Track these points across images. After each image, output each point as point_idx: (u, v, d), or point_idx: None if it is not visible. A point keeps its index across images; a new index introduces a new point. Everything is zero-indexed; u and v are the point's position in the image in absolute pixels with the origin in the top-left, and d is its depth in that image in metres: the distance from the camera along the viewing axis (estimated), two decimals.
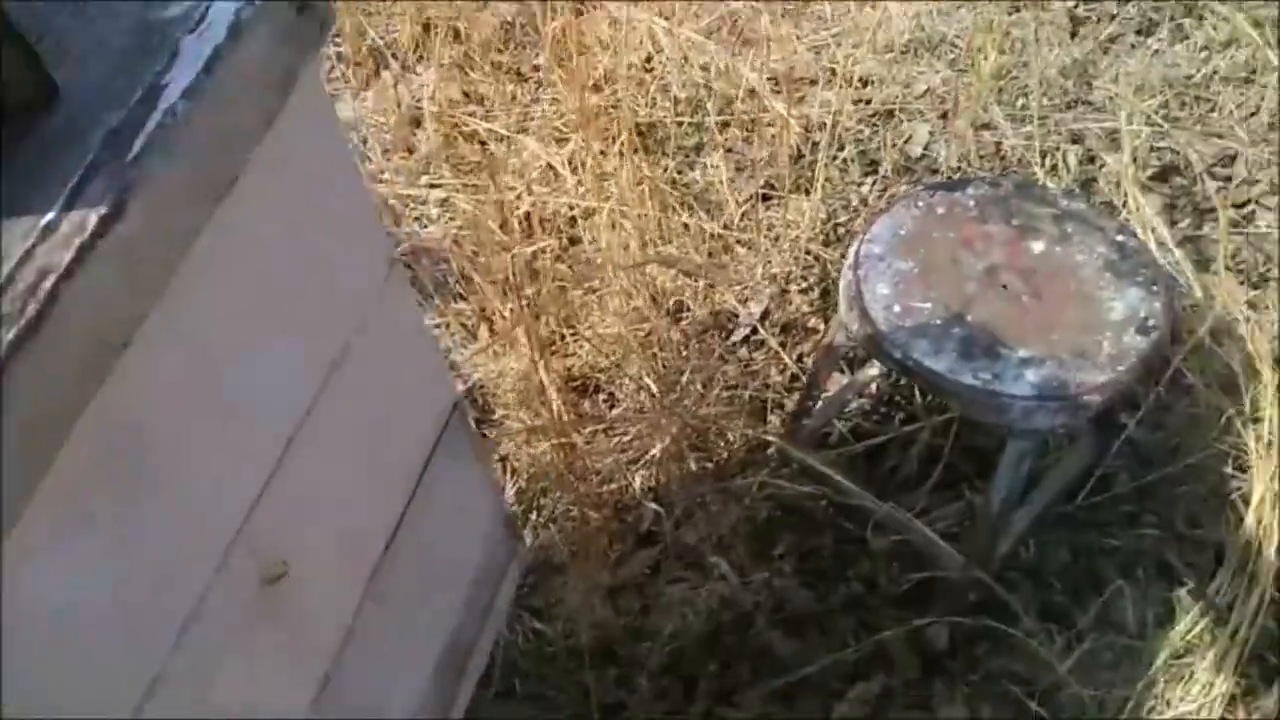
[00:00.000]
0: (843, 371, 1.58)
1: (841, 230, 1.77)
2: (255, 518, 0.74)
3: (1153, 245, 1.58)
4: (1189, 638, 1.29)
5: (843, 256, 1.72)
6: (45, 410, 0.55)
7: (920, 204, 1.37)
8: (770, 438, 1.51)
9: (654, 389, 1.56)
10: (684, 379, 1.58)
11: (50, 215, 0.57)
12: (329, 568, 0.85)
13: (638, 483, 1.52)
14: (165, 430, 0.67)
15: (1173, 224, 1.68)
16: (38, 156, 0.60)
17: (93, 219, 0.57)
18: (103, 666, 0.65)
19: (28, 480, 0.54)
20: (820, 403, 1.51)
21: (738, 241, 1.77)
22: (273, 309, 0.75)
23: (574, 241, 1.82)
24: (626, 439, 1.56)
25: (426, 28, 2.12)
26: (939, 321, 1.26)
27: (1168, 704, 1.25)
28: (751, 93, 1.94)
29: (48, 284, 0.55)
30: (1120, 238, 1.33)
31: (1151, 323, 1.25)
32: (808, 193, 1.79)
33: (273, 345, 0.75)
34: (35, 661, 0.60)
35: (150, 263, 0.61)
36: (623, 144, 1.78)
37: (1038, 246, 1.33)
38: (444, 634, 1.03)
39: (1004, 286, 1.30)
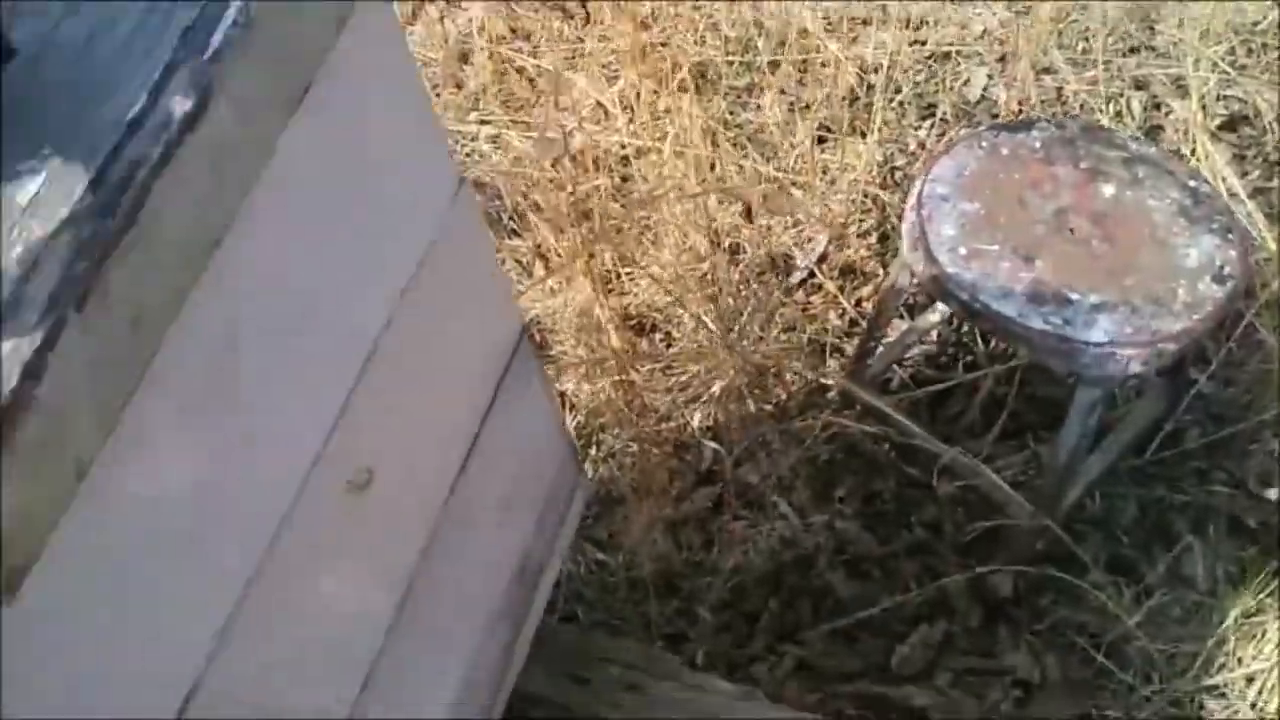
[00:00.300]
0: (902, 316, 1.49)
1: (899, 174, 1.67)
2: (340, 427, 0.70)
3: (1224, 195, 1.48)
4: (1261, 596, 1.21)
5: (902, 200, 1.62)
6: (146, 305, 0.49)
7: (984, 145, 1.28)
8: (834, 380, 1.43)
9: (712, 328, 1.47)
10: (742, 320, 1.49)
11: (134, 111, 0.51)
12: (411, 481, 0.80)
13: (696, 421, 1.45)
14: (255, 335, 0.61)
15: (1243, 174, 1.58)
16: (117, 53, 0.53)
17: (178, 114, 0.51)
18: (202, 561, 0.62)
19: (132, 375, 0.48)
20: (881, 348, 1.42)
21: (793, 184, 1.67)
22: (350, 220, 0.68)
23: (626, 180, 1.73)
24: (684, 378, 1.48)
25: None
26: (1007, 264, 1.18)
27: (1239, 661, 1.18)
28: (804, 32, 1.82)
29: (140, 176, 0.48)
30: (1193, 183, 1.24)
31: (1227, 271, 1.17)
32: (864, 135, 1.68)
33: (352, 256, 0.69)
34: (136, 554, 0.56)
35: (236, 162, 0.55)
36: (679, 82, 1.68)
37: (1108, 190, 1.25)
38: (517, 553, 0.98)
39: (1072, 230, 1.21)
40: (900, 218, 1.59)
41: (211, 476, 0.60)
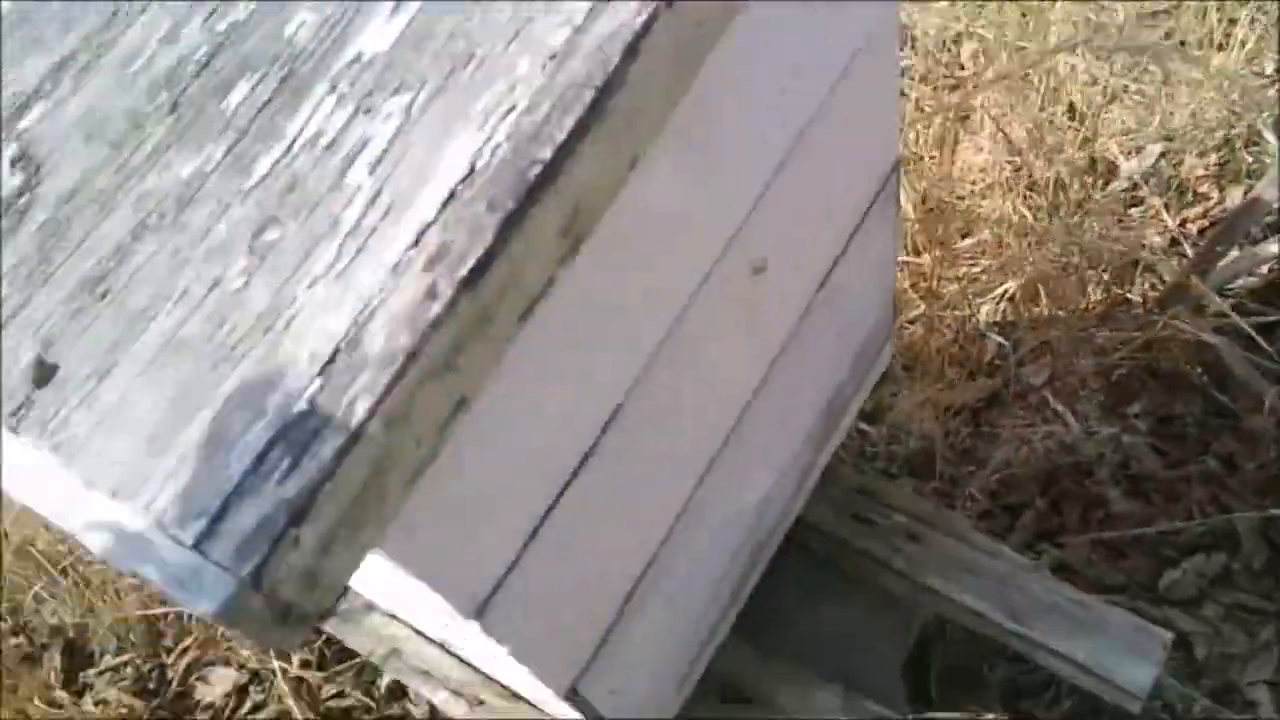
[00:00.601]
0: (1234, 245, 1.37)
1: (1256, 96, 1.51)
2: (754, 213, 0.71)
3: None
4: None
5: (1253, 124, 1.47)
6: (700, 31, 0.49)
7: None
8: (1181, 279, 1.31)
9: (1019, 223, 1.40)
10: (1050, 221, 1.41)
11: None
12: (790, 281, 0.82)
13: (983, 315, 1.40)
14: (722, 111, 0.62)
15: None
16: None
17: None
18: (648, 296, 0.65)
19: (684, 88, 0.50)
20: (1209, 270, 1.31)
21: (1126, 89, 1.54)
22: (801, 12, 0.67)
23: (943, 64, 1.65)
24: (977, 270, 1.43)
25: None
26: None
27: None
28: None
29: None
30: None
31: None
32: (1221, 49, 1.52)
33: (799, 50, 0.68)
34: (621, 266, 0.59)
35: None
36: None
37: None
38: (833, 383, 1.00)
39: None
40: (1250, 141, 1.45)
41: (675, 222, 0.63)
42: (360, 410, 0.41)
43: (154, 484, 0.41)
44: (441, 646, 1.05)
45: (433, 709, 1.42)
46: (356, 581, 0.51)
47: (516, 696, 1.03)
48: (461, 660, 1.04)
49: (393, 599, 0.98)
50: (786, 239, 0.78)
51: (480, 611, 0.61)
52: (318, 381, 0.42)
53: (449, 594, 0.58)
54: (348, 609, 1.11)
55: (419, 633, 1.07)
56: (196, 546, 0.40)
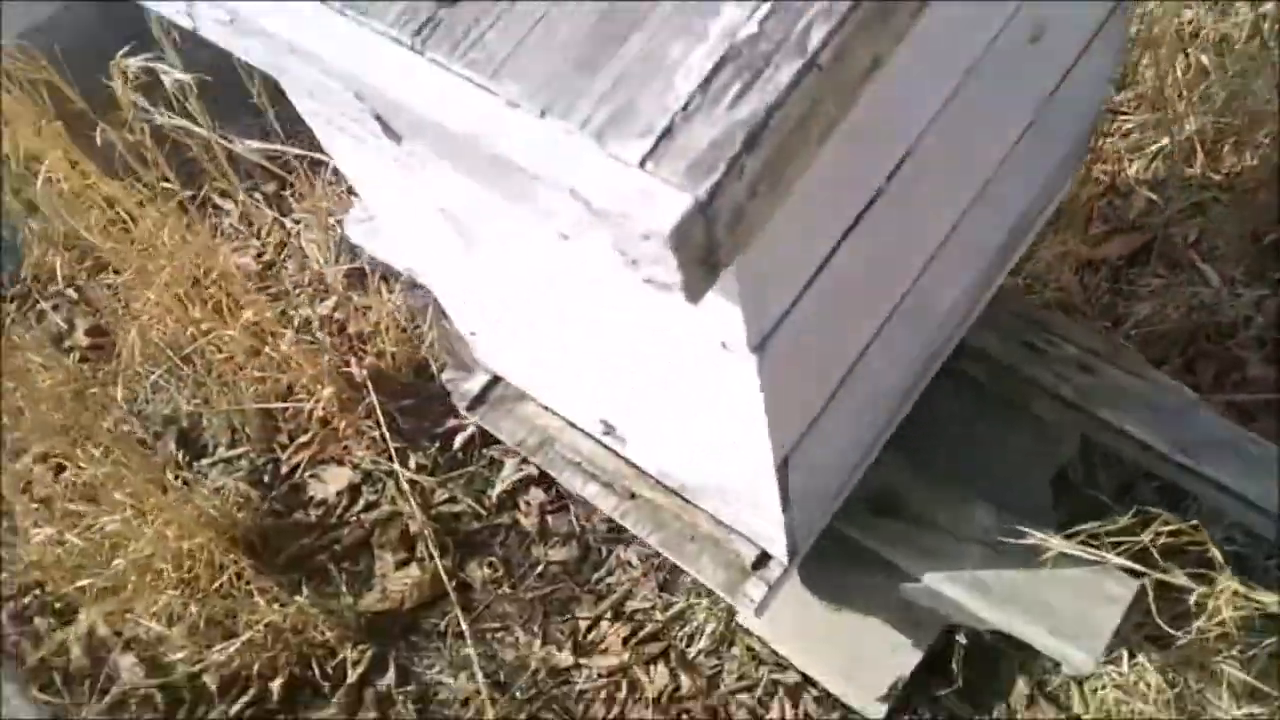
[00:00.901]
0: None
1: None
2: None
3: None
4: None
5: None
6: None
7: None
8: None
9: (1184, 79, 1.35)
10: (1212, 79, 1.35)
11: None
12: (1044, 65, 0.78)
13: (1133, 170, 1.36)
14: None
15: None
16: None
17: None
18: (965, 28, 0.63)
19: None
20: None
21: None
22: None
23: None
24: (1130, 125, 1.38)
25: None
26: None
27: None
28: None
29: None
30: None
31: None
32: None
33: None
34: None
35: None
36: None
37: None
38: (1025, 202, 0.97)
39: None
40: None
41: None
42: (815, 38, 0.38)
43: (588, 103, 0.39)
44: (595, 439, 1.06)
45: (543, 520, 1.45)
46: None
47: (670, 491, 1.04)
48: (616, 453, 1.05)
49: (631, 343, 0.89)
50: (1055, 15, 0.74)
51: (761, 346, 0.60)
52: (767, 5, 0.39)
53: (751, 318, 0.57)
54: (501, 395, 1.11)
55: (572, 424, 1.07)
56: (641, 165, 0.38)
